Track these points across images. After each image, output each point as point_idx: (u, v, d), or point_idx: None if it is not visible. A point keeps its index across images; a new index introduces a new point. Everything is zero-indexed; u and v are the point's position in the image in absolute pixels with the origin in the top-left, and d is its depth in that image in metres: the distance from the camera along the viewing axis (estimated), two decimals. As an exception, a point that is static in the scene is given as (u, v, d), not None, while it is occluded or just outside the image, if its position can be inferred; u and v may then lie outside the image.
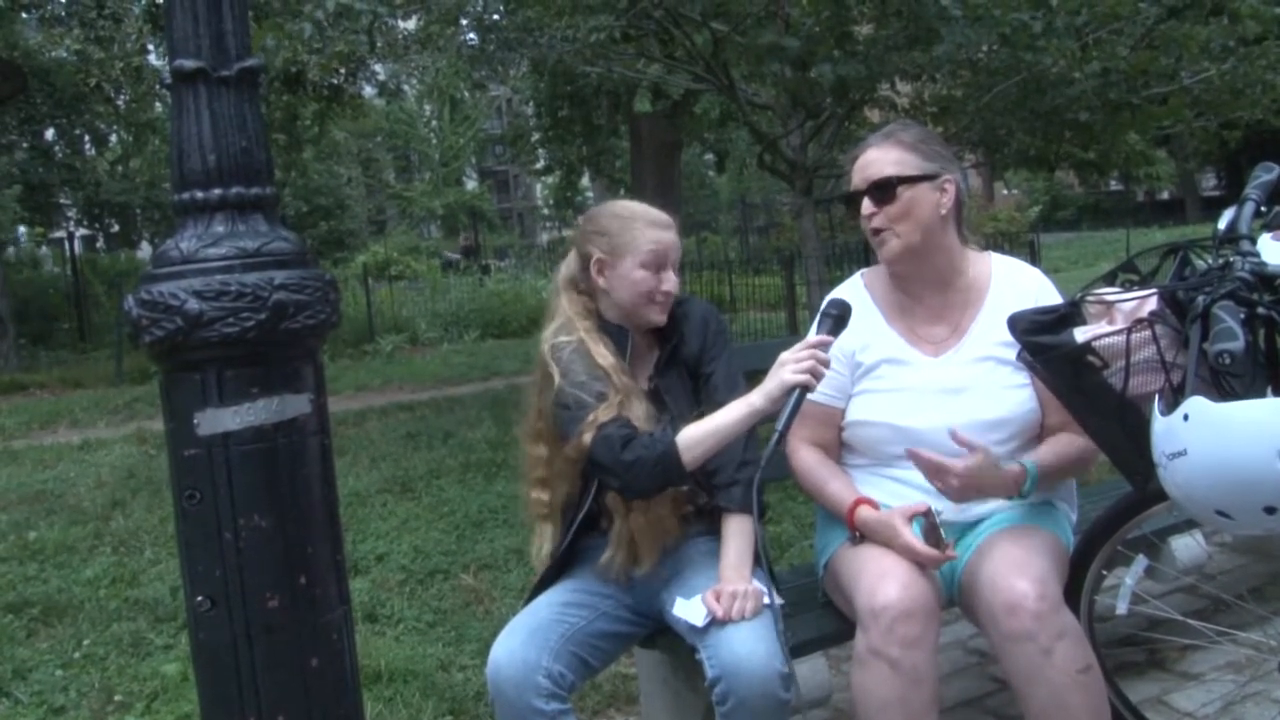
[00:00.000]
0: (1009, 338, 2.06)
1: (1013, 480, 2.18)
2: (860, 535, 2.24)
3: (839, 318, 2.15)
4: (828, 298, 2.27)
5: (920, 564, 2.12)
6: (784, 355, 2.07)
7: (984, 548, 2.19)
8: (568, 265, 2.37)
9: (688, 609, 2.12)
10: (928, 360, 2.35)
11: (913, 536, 2.12)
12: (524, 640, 2.11)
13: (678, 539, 2.30)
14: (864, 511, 2.24)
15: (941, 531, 2.13)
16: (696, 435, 2.11)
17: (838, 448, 2.45)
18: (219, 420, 1.52)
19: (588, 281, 2.32)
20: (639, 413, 2.20)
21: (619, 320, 2.32)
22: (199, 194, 1.56)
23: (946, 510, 2.20)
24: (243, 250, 1.54)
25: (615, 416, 2.15)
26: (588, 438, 2.14)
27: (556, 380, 2.21)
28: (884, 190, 2.27)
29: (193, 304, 1.49)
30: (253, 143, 1.59)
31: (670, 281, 2.28)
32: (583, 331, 2.25)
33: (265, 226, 1.59)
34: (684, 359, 2.33)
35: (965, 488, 2.15)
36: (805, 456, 2.40)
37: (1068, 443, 2.27)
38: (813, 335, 2.15)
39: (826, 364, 2.07)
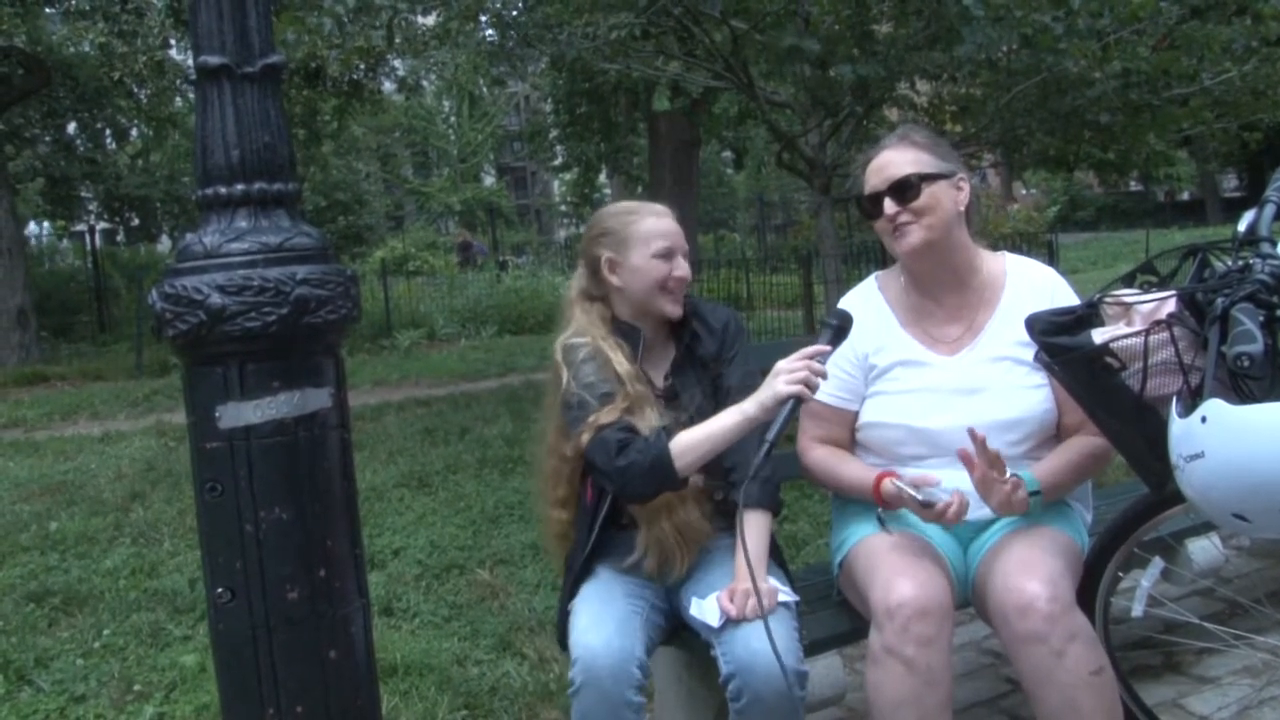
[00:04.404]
0: (1025, 337, 2.05)
1: (1014, 500, 2.15)
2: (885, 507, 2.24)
3: (839, 328, 2.14)
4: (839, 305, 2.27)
5: (948, 520, 2.13)
6: (780, 364, 2.06)
7: (997, 548, 2.19)
8: (578, 278, 2.39)
9: (703, 609, 2.13)
10: (943, 360, 2.35)
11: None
12: (616, 629, 2.09)
13: (711, 538, 2.30)
14: (890, 484, 2.22)
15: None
16: (689, 442, 2.12)
17: (851, 449, 2.45)
18: (240, 413, 1.54)
19: (600, 288, 2.34)
20: (650, 418, 2.19)
21: (632, 318, 2.33)
22: (222, 189, 1.58)
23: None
24: (265, 245, 1.56)
25: (616, 419, 2.16)
26: (586, 438, 2.16)
27: (564, 379, 2.23)
28: (906, 188, 2.29)
29: (216, 298, 1.50)
30: (276, 138, 1.60)
31: (682, 268, 2.30)
32: (599, 339, 2.26)
33: (288, 222, 1.60)
34: (700, 358, 2.34)
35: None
36: (817, 452, 2.41)
37: (1076, 448, 2.26)
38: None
39: (823, 375, 2.06)
